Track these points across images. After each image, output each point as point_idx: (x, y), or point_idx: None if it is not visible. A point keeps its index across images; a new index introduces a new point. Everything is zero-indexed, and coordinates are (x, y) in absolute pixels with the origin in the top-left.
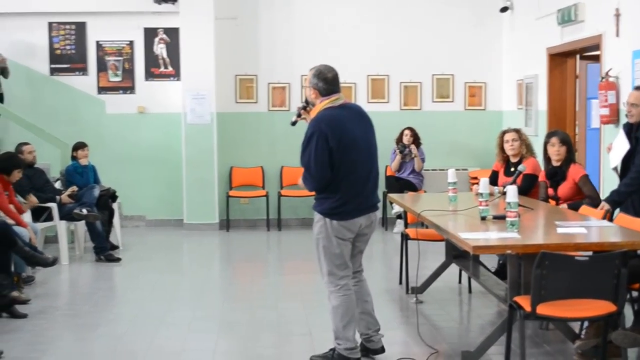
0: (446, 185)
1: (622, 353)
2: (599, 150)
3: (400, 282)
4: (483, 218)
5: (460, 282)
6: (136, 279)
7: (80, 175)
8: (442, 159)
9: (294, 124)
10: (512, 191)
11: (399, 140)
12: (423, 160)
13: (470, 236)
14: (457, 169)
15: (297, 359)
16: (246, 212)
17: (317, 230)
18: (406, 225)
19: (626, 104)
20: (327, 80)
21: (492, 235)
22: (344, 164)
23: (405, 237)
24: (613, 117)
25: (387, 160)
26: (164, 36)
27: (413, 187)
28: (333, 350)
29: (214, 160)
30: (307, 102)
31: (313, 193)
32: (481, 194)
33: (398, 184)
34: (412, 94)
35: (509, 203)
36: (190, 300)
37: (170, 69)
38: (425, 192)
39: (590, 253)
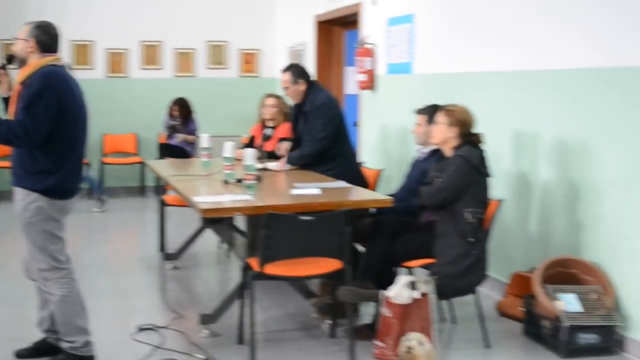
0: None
1: (347, 308)
2: (357, 115)
3: (160, 249)
4: (226, 182)
5: (219, 247)
6: None
7: None
8: (218, 126)
9: None
10: (249, 154)
11: (170, 113)
12: (195, 131)
13: (203, 199)
14: (231, 136)
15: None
16: None
17: (33, 212)
18: (164, 191)
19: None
20: (51, 36)
21: (225, 198)
22: (69, 133)
23: (162, 204)
24: (370, 83)
25: (160, 127)
26: None
27: (186, 154)
28: (64, 354)
29: None
30: (9, 59)
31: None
32: (226, 158)
33: (171, 152)
34: (186, 61)
35: (246, 166)
36: None
37: None
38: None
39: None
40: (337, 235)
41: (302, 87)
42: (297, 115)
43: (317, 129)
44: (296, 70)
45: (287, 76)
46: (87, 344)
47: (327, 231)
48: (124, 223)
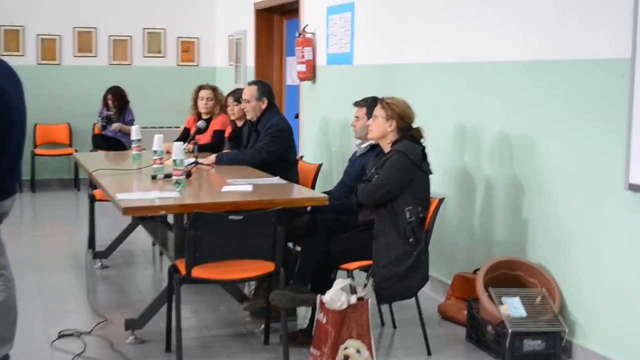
0: None
1: (282, 312)
2: (298, 107)
3: (90, 247)
4: (154, 177)
5: (154, 244)
6: None
7: None
8: (156, 117)
9: None
10: (177, 148)
11: (105, 102)
12: (132, 121)
13: (126, 197)
14: (169, 127)
15: None
16: None
17: None
18: (94, 186)
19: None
20: None
21: (150, 195)
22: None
23: (92, 199)
24: (310, 74)
25: (94, 117)
26: None
27: (122, 146)
28: None
29: None
30: None
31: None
32: (155, 152)
33: (106, 143)
34: (122, 48)
35: (174, 161)
36: None
37: None
38: None
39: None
40: (269, 236)
41: (263, 105)
42: (249, 132)
43: (264, 142)
44: (263, 88)
45: (253, 90)
46: (5, 358)
47: (258, 231)
48: (54, 218)
